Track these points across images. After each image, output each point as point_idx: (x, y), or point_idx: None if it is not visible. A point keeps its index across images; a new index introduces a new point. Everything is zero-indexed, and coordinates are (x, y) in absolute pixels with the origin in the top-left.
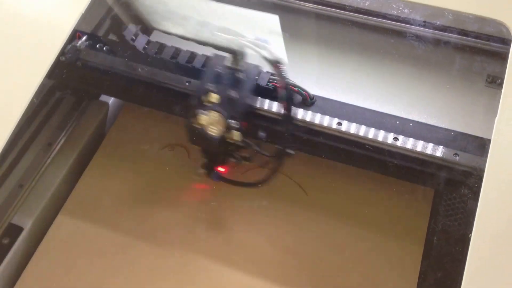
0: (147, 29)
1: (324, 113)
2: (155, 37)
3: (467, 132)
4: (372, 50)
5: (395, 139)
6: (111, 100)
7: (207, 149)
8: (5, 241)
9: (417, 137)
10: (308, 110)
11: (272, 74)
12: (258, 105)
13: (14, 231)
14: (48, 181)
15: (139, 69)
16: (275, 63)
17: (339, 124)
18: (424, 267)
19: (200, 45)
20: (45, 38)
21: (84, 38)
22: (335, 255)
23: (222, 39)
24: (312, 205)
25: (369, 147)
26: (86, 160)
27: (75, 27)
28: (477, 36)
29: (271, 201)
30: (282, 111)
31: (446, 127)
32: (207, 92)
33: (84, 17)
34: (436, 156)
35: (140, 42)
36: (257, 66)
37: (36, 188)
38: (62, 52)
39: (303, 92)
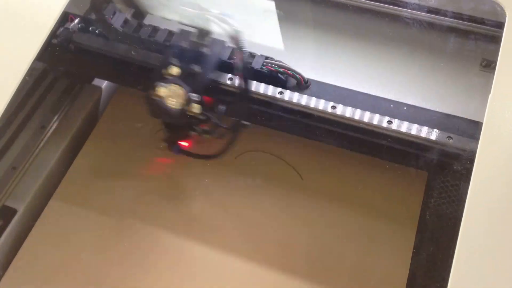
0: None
1: (318, 96)
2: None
3: (462, 115)
4: (366, 33)
5: (389, 122)
6: (104, 84)
7: (168, 121)
8: None
9: (411, 120)
10: (303, 93)
11: (266, 58)
12: (220, 79)
13: (8, 213)
14: (42, 164)
15: (132, 52)
16: (234, 36)
17: (334, 107)
18: (417, 245)
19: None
20: (35, 19)
21: (76, 20)
22: (329, 235)
23: (188, 13)
24: (306, 187)
25: (363, 130)
26: (80, 142)
27: (65, 8)
28: (472, 18)
29: (263, 180)
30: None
31: (440, 111)
32: (168, 65)
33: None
34: (430, 139)
35: (118, 21)
36: (221, 41)
37: (29, 171)
38: (54, 35)
39: (297, 75)
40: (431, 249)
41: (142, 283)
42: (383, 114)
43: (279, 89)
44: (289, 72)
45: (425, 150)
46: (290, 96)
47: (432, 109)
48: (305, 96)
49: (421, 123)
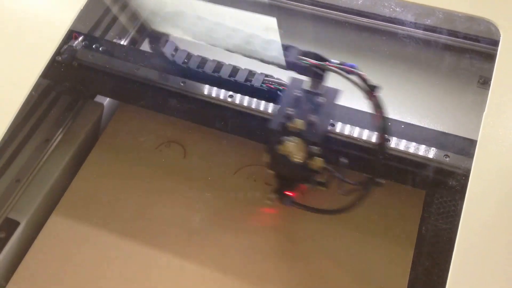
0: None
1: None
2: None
3: (459, 133)
4: (365, 50)
5: (387, 140)
6: (106, 101)
7: (288, 175)
8: (2, 235)
9: (408, 138)
10: None
11: (266, 76)
12: (338, 130)
13: (11, 225)
14: (45, 177)
15: (135, 70)
16: (369, 91)
17: (332, 125)
18: (415, 263)
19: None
20: (41, 37)
21: (80, 38)
22: (326, 251)
23: (306, 63)
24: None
25: (359, 148)
26: (83, 156)
27: (71, 27)
28: (468, 36)
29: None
30: (377, 140)
31: (437, 129)
32: (289, 117)
33: (81, 17)
34: (427, 157)
35: (181, 57)
36: (336, 90)
37: (33, 183)
38: (58, 52)
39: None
40: (428, 267)
41: None
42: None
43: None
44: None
45: (422, 168)
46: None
47: (429, 127)
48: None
49: (419, 141)
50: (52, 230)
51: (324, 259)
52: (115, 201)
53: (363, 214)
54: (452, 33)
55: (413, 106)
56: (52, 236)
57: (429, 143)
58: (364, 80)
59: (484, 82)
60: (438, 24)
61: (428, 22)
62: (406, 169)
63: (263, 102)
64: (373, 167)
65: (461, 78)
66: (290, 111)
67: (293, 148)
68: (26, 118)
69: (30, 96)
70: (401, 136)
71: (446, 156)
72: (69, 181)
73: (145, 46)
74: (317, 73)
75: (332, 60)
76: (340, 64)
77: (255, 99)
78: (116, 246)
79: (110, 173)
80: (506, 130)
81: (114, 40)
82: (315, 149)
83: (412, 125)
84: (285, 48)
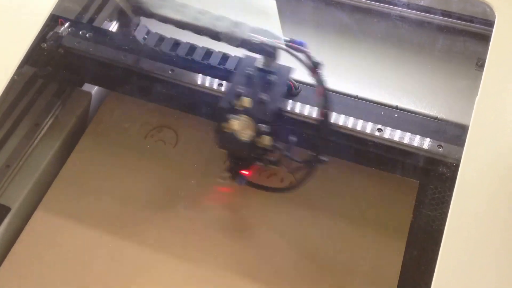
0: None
1: (309, 103)
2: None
3: (456, 118)
4: (356, 32)
5: (379, 130)
6: (95, 88)
7: (236, 153)
8: None
9: (402, 127)
10: (293, 100)
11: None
12: (289, 108)
13: (2, 211)
14: (36, 162)
15: (122, 57)
16: (312, 68)
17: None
18: (407, 254)
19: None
20: (21, 22)
21: (66, 24)
22: (319, 242)
23: (256, 40)
24: (296, 195)
25: (353, 138)
26: (73, 142)
27: (56, 12)
28: (464, 18)
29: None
30: (319, 117)
31: (433, 114)
32: (238, 95)
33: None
34: (420, 147)
35: (141, 33)
36: (289, 68)
37: (23, 169)
38: (44, 39)
39: (288, 82)
40: (421, 257)
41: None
42: (373, 121)
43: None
44: None
45: (414, 159)
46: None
47: (425, 111)
48: (291, 102)
49: (412, 131)
50: (43, 215)
51: (315, 249)
52: (105, 186)
53: (357, 204)
54: (448, 14)
55: (408, 89)
56: (43, 221)
57: (422, 133)
58: (308, 57)
59: (482, 65)
60: (433, 5)
61: (422, 3)
62: (399, 159)
63: None
64: (316, 144)
65: (458, 61)
66: (240, 89)
67: (238, 126)
68: (13, 105)
69: (14, 83)
70: (394, 125)
71: (440, 146)
72: (60, 166)
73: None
74: (268, 51)
75: (283, 38)
76: (289, 41)
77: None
78: (106, 231)
79: (99, 160)
80: (499, 114)
81: (105, 22)
82: (263, 127)
83: (405, 113)
84: (236, 25)
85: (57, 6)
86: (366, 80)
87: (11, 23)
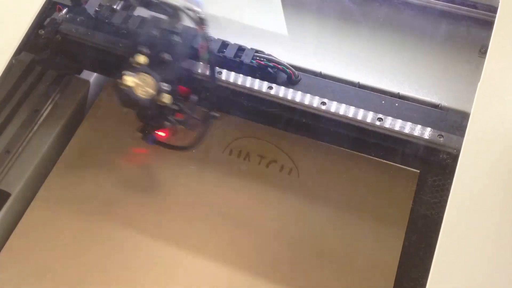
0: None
1: (308, 91)
2: None
3: (458, 105)
4: (358, 16)
5: (380, 119)
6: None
7: (139, 111)
8: None
9: (402, 117)
10: (293, 88)
11: (256, 51)
12: (193, 68)
13: (2, 196)
14: (35, 147)
15: (120, 44)
16: (199, 23)
17: (323, 103)
18: (406, 243)
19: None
20: (18, 8)
21: (64, 11)
22: (318, 231)
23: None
24: (297, 183)
25: (353, 127)
26: (74, 126)
27: None
28: (467, 3)
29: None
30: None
31: (435, 102)
32: (136, 53)
33: None
34: (420, 137)
35: (91, 5)
36: (193, 29)
37: (23, 154)
38: (42, 25)
39: (287, 70)
40: (420, 246)
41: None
42: (374, 110)
43: (255, 80)
44: (279, 66)
45: (415, 148)
46: (277, 91)
47: (427, 98)
48: (292, 91)
49: (412, 120)
50: (43, 200)
51: (314, 237)
52: (106, 170)
53: (356, 192)
54: (452, 0)
55: (410, 76)
56: (43, 206)
57: (423, 122)
58: (197, 13)
59: (485, 52)
60: None
61: None
62: (399, 149)
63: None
64: (208, 100)
65: (461, 48)
66: (141, 48)
67: (134, 82)
68: (12, 91)
69: (12, 69)
70: (394, 115)
71: (440, 136)
72: (60, 152)
73: (139, 11)
74: (167, 10)
75: None
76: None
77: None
78: (105, 217)
79: (99, 146)
80: (500, 101)
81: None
82: (164, 85)
83: (406, 102)
84: None
85: None
86: (367, 66)
87: (7, 9)
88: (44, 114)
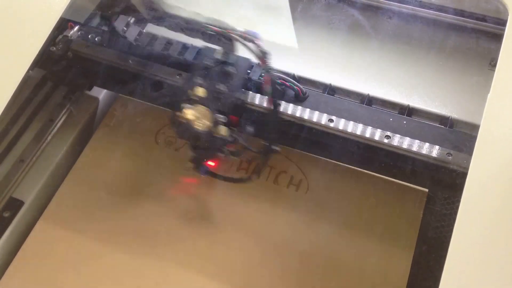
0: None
1: (316, 108)
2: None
3: (468, 118)
4: (368, 30)
5: (387, 137)
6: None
7: (194, 143)
8: (6, 214)
9: (410, 135)
10: (300, 105)
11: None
12: (247, 99)
13: (15, 204)
14: (49, 157)
15: (130, 61)
16: (261, 57)
17: (331, 120)
18: (415, 262)
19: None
20: (31, 27)
21: (76, 28)
22: (326, 248)
23: (211, 31)
24: (304, 199)
25: (360, 145)
26: (87, 136)
27: (63, 15)
28: (476, 16)
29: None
30: (269, 106)
31: (445, 114)
32: (194, 85)
33: (76, 6)
34: (429, 155)
35: (132, 34)
36: (247, 59)
37: (37, 163)
38: (54, 42)
39: (295, 87)
40: (429, 263)
41: None
42: (382, 128)
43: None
44: (286, 83)
45: (423, 166)
46: (285, 108)
47: (437, 110)
48: (301, 108)
49: (420, 138)
50: (56, 209)
51: (322, 255)
52: (119, 181)
53: (364, 211)
54: (461, 13)
55: (420, 88)
56: (56, 215)
57: (432, 141)
58: (258, 47)
59: (496, 65)
60: (446, 3)
61: (434, 0)
62: (407, 167)
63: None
64: (268, 133)
65: (472, 60)
66: (198, 79)
67: (192, 115)
68: (26, 102)
69: (26, 82)
70: (403, 133)
71: (449, 154)
72: (73, 162)
73: (149, 28)
74: (224, 42)
75: (237, 29)
76: (243, 32)
77: None
78: (120, 221)
79: (112, 156)
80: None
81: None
82: (220, 117)
83: (414, 120)
84: (189, 15)
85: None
86: (377, 79)
87: (22, 26)
88: (58, 124)
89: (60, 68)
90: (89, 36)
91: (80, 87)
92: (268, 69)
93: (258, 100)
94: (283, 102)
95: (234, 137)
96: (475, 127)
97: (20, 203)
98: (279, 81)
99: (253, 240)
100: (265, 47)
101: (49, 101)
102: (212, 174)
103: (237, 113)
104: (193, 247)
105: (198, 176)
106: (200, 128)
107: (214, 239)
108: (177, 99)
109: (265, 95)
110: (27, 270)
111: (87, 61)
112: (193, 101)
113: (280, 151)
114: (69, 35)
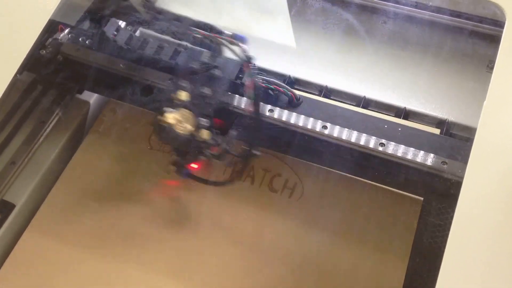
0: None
1: (309, 115)
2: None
3: (465, 121)
4: (364, 32)
5: (382, 144)
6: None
7: (176, 147)
8: None
9: (405, 142)
10: (293, 111)
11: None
12: (233, 102)
13: (6, 207)
14: (41, 159)
15: (121, 65)
16: (245, 62)
17: (325, 127)
18: (409, 271)
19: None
20: (19, 28)
21: (66, 31)
22: (319, 256)
23: (197, 34)
24: (296, 207)
25: (354, 152)
26: (78, 139)
27: (53, 17)
28: (473, 19)
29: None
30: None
31: (441, 117)
32: (178, 89)
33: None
34: (424, 164)
35: (122, 38)
36: (237, 62)
37: (28, 166)
38: (43, 45)
39: (288, 92)
40: (423, 272)
41: None
42: (376, 135)
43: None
44: (280, 88)
45: (418, 175)
46: (281, 115)
47: (434, 113)
48: (294, 114)
49: (415, 146)
50: (47, 212)
51: (315, 263)
52: (110, 183)
53: (358, 219)
54: (458, 15)
55: (417, 91)
56: (48, 218)
57: (427, 149)
58: (244, 51)
59: (493, 67)
60: (443, 5)
61: (431, 3)
62: (402, 174)
63: None
64: (252, 137)
65: (469, 63)
66: (184, 83)
67: (173, 119)
68: (17, 105)
69: (15, 85)
70: (398, 140)
71: (444, 163)
72: (64, 165)
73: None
74: (209, 45)
75: (225, 32)
76: (230, 36)
77: None
78: (112, 223)
79: (103, 159)
80: (507, 117)
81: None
82: (202, 121)
83: (410, 128)
84: (177, 18)
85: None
86: (374, 81)
87: (9, 28)
88: (50, 126)
89: (50, 72)
90: (80, 39)
91: (70, 91)
92: (251, 74)
93: (244, 103)
94: (277, 108)
95: (216, 140)
96: (472, 130)
97: (12, 206)
98: (272, 86)
99: (244, 247)
100: (250, 51)
101: (39, 104)
102: (193, 177)
103: (222, 117)
104: (182, 253)
105: (181, 179)
106: (182, 132)
107: (203, 245)
108: (161, 103)
109: (249, 99)
110: (17, 274)
111: (78, 65)
112: (176, 105)
113: (260, 155)
114: (59, 38)
